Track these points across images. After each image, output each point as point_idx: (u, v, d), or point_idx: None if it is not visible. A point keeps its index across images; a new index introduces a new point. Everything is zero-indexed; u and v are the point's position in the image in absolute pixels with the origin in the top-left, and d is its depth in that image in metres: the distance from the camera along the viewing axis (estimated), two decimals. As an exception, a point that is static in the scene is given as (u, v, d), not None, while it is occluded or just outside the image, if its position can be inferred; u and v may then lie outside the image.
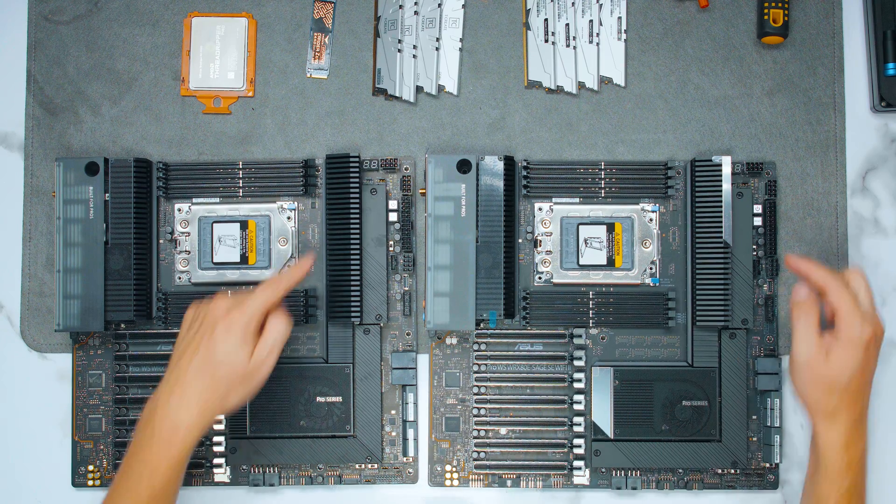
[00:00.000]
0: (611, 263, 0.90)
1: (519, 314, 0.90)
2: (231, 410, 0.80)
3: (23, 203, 0.93)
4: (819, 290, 0.79)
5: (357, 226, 0.89)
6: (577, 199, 0.91)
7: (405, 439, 0.91)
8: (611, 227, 0.91)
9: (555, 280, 0.91)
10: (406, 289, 0.91)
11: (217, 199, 0.92)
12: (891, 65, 0.92)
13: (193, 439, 0.77)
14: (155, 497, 0.76)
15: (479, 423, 0.90)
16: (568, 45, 0.93)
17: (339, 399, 0.90)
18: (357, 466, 0.91)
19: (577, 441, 0.89)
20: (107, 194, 0.89)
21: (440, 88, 0.93)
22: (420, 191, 0.91)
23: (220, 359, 0.78)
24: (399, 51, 0.92)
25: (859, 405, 0.78)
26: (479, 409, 0.90)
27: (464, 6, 0.93)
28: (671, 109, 0.93)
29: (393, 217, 0.91)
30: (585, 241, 0.91)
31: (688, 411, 0.89)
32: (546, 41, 0.93)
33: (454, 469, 0.91)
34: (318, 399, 0.90)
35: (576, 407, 0.90)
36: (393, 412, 0.91)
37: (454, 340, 0.91)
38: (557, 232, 0.91)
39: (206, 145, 0.93)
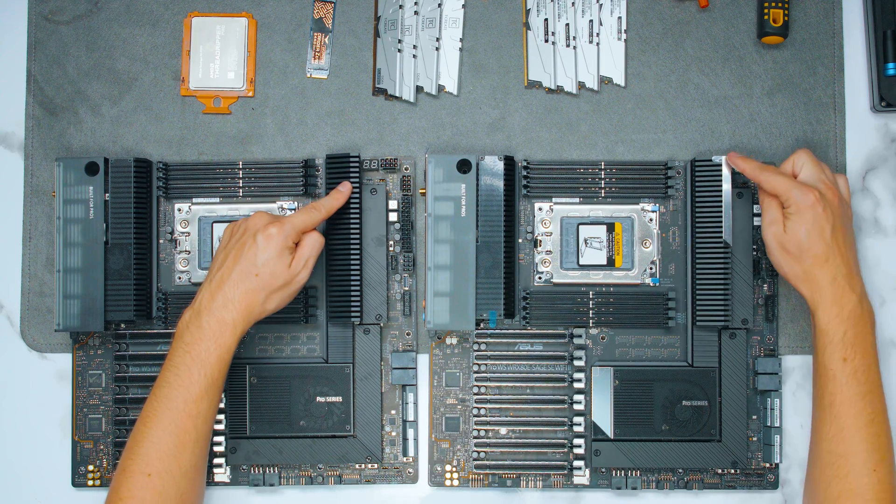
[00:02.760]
0: (611, 263, 0.91)
1: (519, 314, 0.90)
2: (269, 313, 0.83)
3: (23, 203, 0.93)
4: (758, 184, 0.85)
5: (357, 226, 0.89)
6: (577, 199, 0.91)
7: (405, 439, 0.91)
8: (611, 227, 0.91)
9: (555, 280, 0.91)
10: (406, 289, 0.91)
11: (217, 199, 0.92)
12: (891, 65, 0.92)
13: (238, 335, 0.81)
14: (210, 386, 0.80)
15: (479, 423, 0.90)
16: (568, 45, 0.93)
17: (339, 399, 0.90)
18: (357, 466, 0.91)
19: (577, 441, 0.89)
20: (107, 194, 0.89)
21: (440, 88, 0.93)
22: (420, 191, 0.91)
23: (260, 264, 0.81)
24: (399, 51, 0.92)
25: (834, 263, 0.80)
26: (479, 409, 0.90)
27: (464, 6, 0.93)
28: (671, 109, 0.93)
29: (393, 217, 0.91)
30: (585, 241, 0.91)
31: (688, 411, 0.89)
32: (546, 41, 0.93)
33: (454, 469, 0.91)
34: (318, 399, 0.90)
35: (576, 407, 0.90)
36: (393, 412, 0.91)
37: (454, 340, 0.91)
38: (557, 232, 0.91)
39: (206, 145, 0.93)
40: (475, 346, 0.90)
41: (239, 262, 0.82)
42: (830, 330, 0.80)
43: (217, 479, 0.90)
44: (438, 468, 0.91)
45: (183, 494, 0.79)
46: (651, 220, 0.91)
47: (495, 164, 0.89)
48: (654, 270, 0.91)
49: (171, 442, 0.78)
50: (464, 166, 0.88)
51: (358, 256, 0.89)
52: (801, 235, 0.80)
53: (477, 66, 0.93)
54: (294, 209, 0.91)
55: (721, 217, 0.88)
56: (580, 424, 0.89)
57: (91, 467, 0.91)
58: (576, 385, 0.90)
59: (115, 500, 0.77)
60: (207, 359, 0.80)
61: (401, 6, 0.93)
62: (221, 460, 0.90)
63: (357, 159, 0.90)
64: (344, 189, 0.88)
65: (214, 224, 0.91)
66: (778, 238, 0.82)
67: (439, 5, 0.93)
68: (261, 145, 0.93)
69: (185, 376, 0.80)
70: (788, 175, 0.83)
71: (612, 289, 0.91)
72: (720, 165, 0.88)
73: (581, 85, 0.93)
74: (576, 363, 0.90)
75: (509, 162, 0.89)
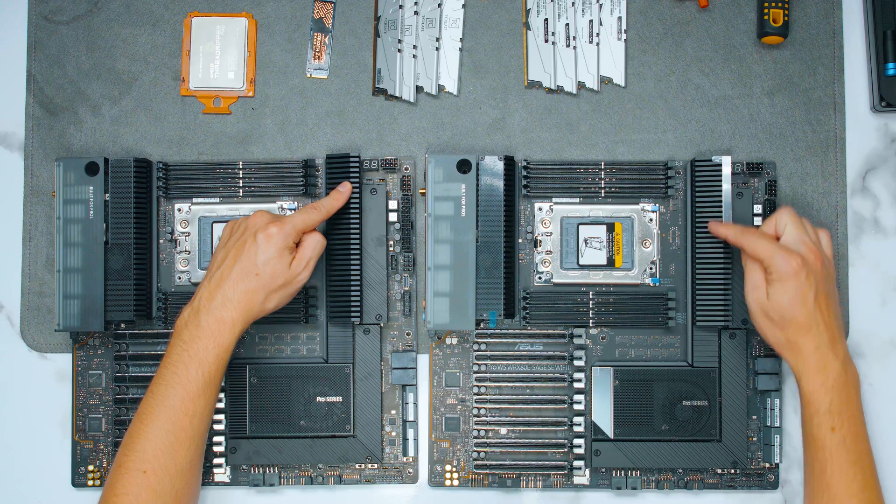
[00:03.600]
0: (611, 263, 0.91)
1: (519, 314, 0.90)
2: (268, 312, 0.83)
3: (23, 203, 0.93)
4: (741, 249, 0.83)
5: (357, 226, 0.89)
6: (577, 199, 0.91)
7: (405, 439, 0.91)
8: (611, 227, 0.91)
9: (555, 280, 0.91)
10: (406, 289, 0.91)
11: (217, 199, 0.92)
12: (891, 65, 0.92)
13: (237, 334, 0.81)
14: (208, 385, 0.80)
15: (479, 423, 0.90)
16: (568, 45, 0.93)
17: (339, 399, 0.90)
18: (357, 466, 0.91)
19: (577, 441, 0.89)
20: (107, 194, 0.89)
21: (440, 88, 0.93)
22: (420, 191, 0.91)
23: (261, 264, 0.81)
24: (399, 51, 0.92)
25: (816, 331, 0.79)
26: (479, 409, 0.90)
27: (464, 6, 0.93)
28: (671, 109, 0.93)
29: (393, 217, 0.91)
30: (585, 241, 0.91)
31: (688, 411, 0.89)
32: (546, 41, 0.93)
33: (454, 469, 0.91)
34: (318, 399, 0.90)
35: (576, 407, 0.90)
36: (393, 412, 0.91)
37: (454, 340, 0.91)
38: (557, 232, 0.91)
39: (206, 145, 0.93)
40: (475, 346, 0.90)
41: (239, 261, 0.81)
42: (816, 400, 0.79)
43: (217, 479, 0.90)
44: (438, 468, 0.91)
45: (178, 492, 0.79)
46: (651, 220, 0.91)
47: (495, 164, 0.89)
48: (654, 270, 0.91)
49: (167, 439, 0.78)
50: (464, 166, 0.88)
51: (358, 256, 0.89)
52: (784, 303, 0.79)
53: (477, 66, 0.93)
54: (294, 209, 0.91)
55: (721, 217, 0.88)
56: (580, 424, 0.90)
57: (91, 467, 0.91)
58: (576, 385, 0.90)
59: (111, 496, 0.78)
60: (206, 357, 0.80)
61: (401, 6, 0.93)
62: (221, 460, 0.90)
63: (357, 159, 0.90)
64: (344, 189, 0.88)
65: (214, 224, 0.91)
66: (761, 304, 0.81)
67: (439, 5, 0.93)
68: (261, 145, 0.93)
69: (182, 374, 0.80)
70: (771, 237, 0.81)
71: (612, 289, 0.91)
72: (720, 165, 0.88)
73: (581, 85, 0.93)
74: (576, 363, 0.90)
75: (509, 162, 0.89)
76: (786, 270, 0.79)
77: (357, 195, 0.89)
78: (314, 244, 0.84)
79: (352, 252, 0.89)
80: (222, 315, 0.81)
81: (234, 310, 0.81)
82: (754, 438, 0.90)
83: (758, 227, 0.87)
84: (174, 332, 0.82)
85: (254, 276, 0.81)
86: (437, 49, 0.93)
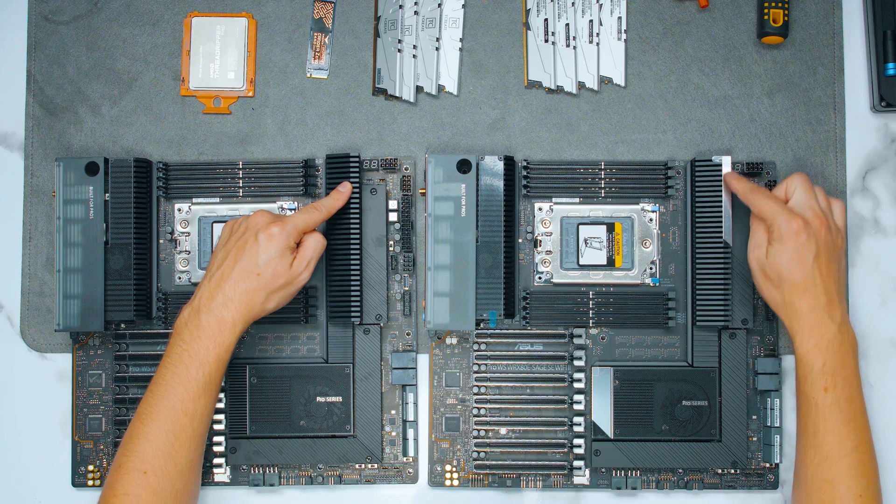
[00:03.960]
0: (611, 263, 0.91)
1: (519, 314, 0.90)
2: (268, 312, 0.83)
3: (23, 203, 0.93)
4: (747, 204, 0.85)
5: (357, 226, 0.89)
6: (577, 199, 0.91)
7: (405, 439, 0.91)
8: (611, 227, 0.91)
9: (555, 280, 0.91)
10: (406, 289, 0.91)
11: (217, 199, 0.92)
12: (891, 65, 0.92)
13: (237, 334, 0.81)
14: (208, 385, 0.80)
15: (479, 423, 0.90)
16: (568, 45, 0.93)
17: (339, 399, 0.90)
18: (357, 466, 0.91)
19: (577, 441, 0.89)
20: (107, 194, 0.89)
21: (440, 88, 0.93)
22: (420, 191, 0.91)
23: (262, 264, 0.81)
24: (399, 51, 0.92)
25: (812, 293, 0.80)
26: (479, 409, 0.90)
27: (464, 6, 0.93)
28: (671, 109, 0.93)
29: (393, 217, 0.91)
30: (585, 241, 0.91)
31: (688, 411, 0.89)
32: (546, 41, 0.93)
33: (454, 469, 0.91)
34: (318, 399, 0.90)
35: (576, 407, 0.90)
36: (393, 412, 0.91)
37: (454, 340, 0.91)
38: (557, 232, 0.91)
39: (206, 145, 0.93)
40: (475, 346, 0.90)
41: (240, 261, 0.81)
42: (809, 360, 0.79)
43: (217, 479, 0.90)
44: (438, 468, 0.91)
45: (178, 492, 0.79)
46: (651, 220, 0.91)
47: (495, 164, 0.89)
48: (654, 270, 0.91)
49: (167, 440, 0.78)
50: (464, 166, 0.88)
51: (358, 256, 0.89)
52: (782, 263, 0.80)
53: (477, 66, 0.93)
54: (294, 209, 0.91)
55: (721, 217, 0.88)
56: (580, 424, 0.89)
57: (91, 467, 0.91)
58: (576, 385, 0.90)
59: (111, 497, 0.77)
60: (206, 357, 0.80)
61: (401, 6, 0.93)
62: (221, 460, 0.90)
63: (357, 159, 0.90)
64: (344, 189, 0.88)
65: (214, 224, 0.91)
66: (760, 263, 0.82)
67: (439, 5, 0.93)
68: (261, 145, 0.93)
69: (182, 374, 0.79)
70: (779, 199, 0.82)
71: (612, 289, 0.91)
72: (720, 165, 0.88)
73: (581, 85, 0.93)
74: (576, 363, 0.90)
75: (509, 162, 0.89)
76: (786, 231, 0.80)
77: (357, 195, 0.89)
78: (315, 244, 0.84)
79: (352, 252, 0.89)
80: (223, 315, 0.80)
81: (234, 310, 0.81)
82: (754, 438, 0.90)
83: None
84: (174, 332, 0.82)
85: (255, 275, 0.81)
86: (437, 49, 0.93)
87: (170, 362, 0.80)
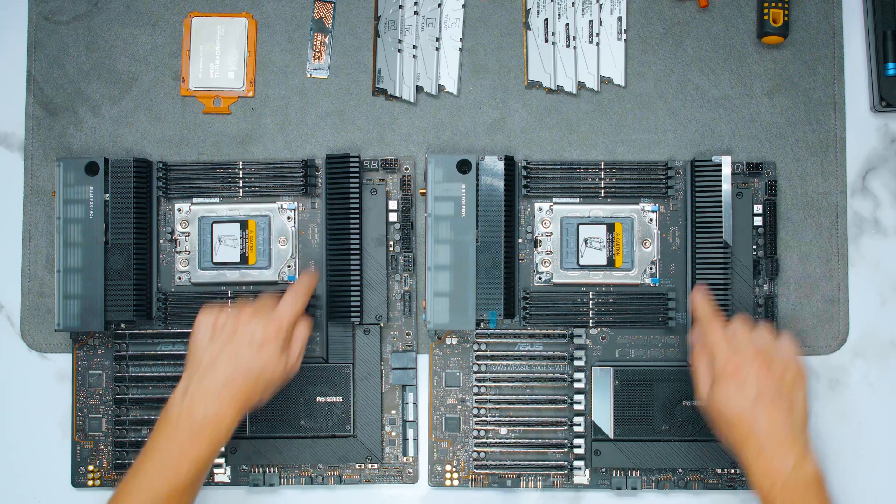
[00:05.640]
0: (611, 263, 0.91)
1: (519, 314, 0.90)
2: (257, 407, 0.83)
3: (23, 203, 0.93)
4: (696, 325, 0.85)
5: (357, 226, 0.89)
6: (577, 199, 0.91)
7: (405, 439, 0.91)
8: (611, 227, 0.91)
9: (555, 280, 0.91)
10: (406, 289, 0.91)
11: (217, 199, 0.92)
12: (891, 65, 0.92)
13: (232, 430, 0.80)
14: (198, 476, 0.79)
15: (479, 423, 0.90)
16: (568, 45, 0.93)
17: (339, 399, 0.90)
18: (357, 466, 0.91)
19: (577, 441, 0.89)
20: (107, 194, 0.90)
21: (440, 88, 0.93)
22: (420, 191, 0.91)
23: (260, 369, 0.81)
24: (399, 51, 0.92)
25: (757, 436, 0.78)
26: (479, 409, 0.90)
27: (464, 6, 0.93)
28: (671, 109, 0.93)
29: (393, 217, 0.91)
30: (585, 241, 0.91)
31: (688, 411, 0.89)
32: (546, 41, 0.93)
33: (454, 469, 0.91)
34: (318, 399, 0.90)
35: (576, 407, 0.90)
36: (393, 412, 0.91)
37: (454, 340, 0.91)
38: (557, 232, 0.91)
39: (206, 145, 0.93)
40: (475, 346, 0.90)
41: (236, 367, 0.80)
42: (770, 501, 0.77)
43: (217, 479, 0.90)
44: (438, 468, 0.91)
45: None
46: (651, 220, 0.91)
47: (495, 164, 0.89)
48: (654, 270, 0.91)
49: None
50: (464, 166, 0.88)
51: (358, 256, 0.89)
52: (723, 404, 0.79)
53: (477, 66, 0.93)
54: (294, 209, 0.91)
55: (721, 217, 0.88)
56: (580, 424, 0.90)
57: (91, 467, 0.91)
58: (576, 385, 0.90)
59: None
60: (199, 455, 0.78)
61: (401, 6, 0.93)
62: (221, 460, 0.90)
63: (357, 159, 0.90)
64: (313, 270, 0.90)
65: (214, 224, 0.91)
66: (705, 402, 0.82)
67: (439, 5, 0.93)
68: (261, 145, 0.93)
69: (171, 468, 0.77)
70: (728, 337, 0.81)
71: (612, 289, 0.91)
72: (720, 165, 0.88)
73: (581, 85, 0.93)
74: (576, 363, 0.90)
75: (509, 162, 0.89)
76: (723, 370, 0.80)
77: (357, 195, 0.89)
78: (304, 336, 0.85)
79: (352, 252, 0.89)
80: (219, 411, 0.79)
81: (230, 409, 0.79)
82: (754, 438, 0.90)
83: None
84: (164, 419, 0.79)
85: (252, 380, 0.80)
86: (437, 49, 0.93)
87: (158, 453, 0.78)
